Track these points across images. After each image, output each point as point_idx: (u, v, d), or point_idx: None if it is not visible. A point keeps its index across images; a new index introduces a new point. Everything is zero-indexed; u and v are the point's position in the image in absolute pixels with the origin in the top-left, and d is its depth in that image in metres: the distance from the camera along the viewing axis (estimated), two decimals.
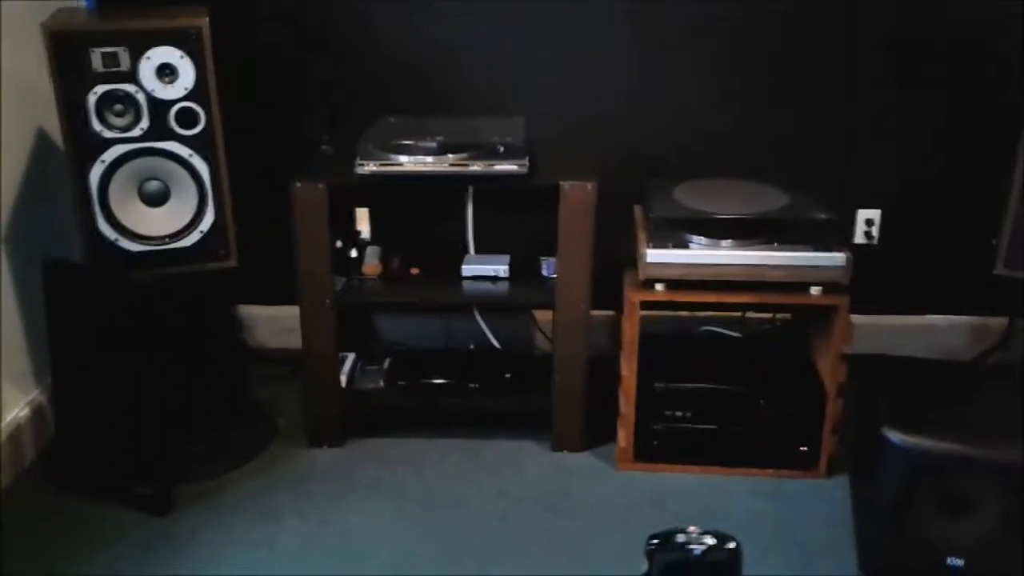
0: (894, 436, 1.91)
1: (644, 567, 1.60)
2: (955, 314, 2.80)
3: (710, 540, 1.57)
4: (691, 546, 1.57)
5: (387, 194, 2.50)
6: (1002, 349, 2.73)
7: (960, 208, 2.67)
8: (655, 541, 1.59)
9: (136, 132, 2.17)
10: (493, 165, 2.23)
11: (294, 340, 2.46)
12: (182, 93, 2.17)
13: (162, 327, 2.23)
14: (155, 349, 2.18)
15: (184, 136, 2.20)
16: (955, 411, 2.00)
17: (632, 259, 2.32)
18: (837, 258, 2.18)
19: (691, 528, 1.59)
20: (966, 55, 2.55)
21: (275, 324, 2.84)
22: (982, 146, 2.60)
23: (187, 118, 2.19)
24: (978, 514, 1.89)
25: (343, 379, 2.49)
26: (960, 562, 1.92)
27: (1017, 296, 2.52)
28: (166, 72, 2.15)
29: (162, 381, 2.21)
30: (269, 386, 2.72)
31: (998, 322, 2.74)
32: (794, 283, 2.21)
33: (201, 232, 2.28)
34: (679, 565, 1.58)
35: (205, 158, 2.22)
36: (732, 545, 1.57)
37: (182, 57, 2.14)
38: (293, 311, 2.39)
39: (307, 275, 2.32)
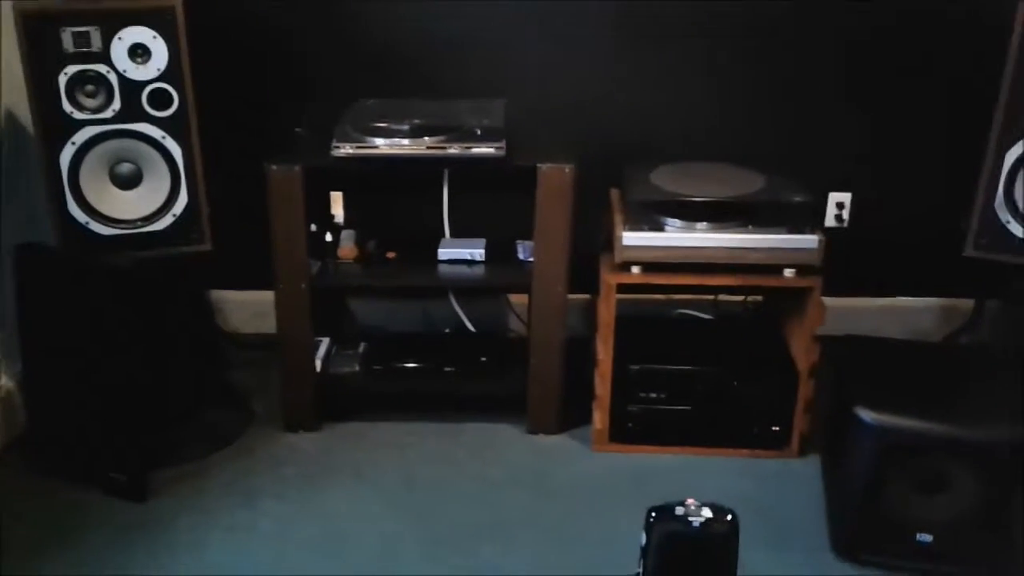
0: (866, 415, 1.95)
1: (643, 540, 1.62)
2: (925, 296, 2.85)
3: (708, 512, 1.60)
4: (690, 518, 1.60)
5: (363, 177, 2.48)
6: (971, 330, 2.78)
7: (929, 191, 2.71)
8: (654, 514, 1.61)
9: (108, 113, 2.15)
10: (470, 148, 2.23)
11: (269, 324, 2.44)
12: (155, 74, 2.14)
13: (135, 311, 2.21)
14: (128, 334, 2.16)
15: (157, 118, 2.17)
16: (925, 391, 2.04)
17: (608, 242, 2.34)
18: (810, 240, 2.21)
19: (689, 501, 1.61)
20: (937, 40, 2.59)
21: (250, 308, 2.82)
22: (951, 129, 2.64)
23: (160, 99, 2.16)
24: (947, 492, 1.93)
25: (318, 363, 2.48)
26: (929, 538, 1.96)
27: (985, 277, 2.57)
28: (139, 52, 2.12)
29: (136, 366, 2.19)
30: (245, 371, 2.70)
31: (966, 303, 2.79)
32: (768, 265, 2.23)
33: (174, 215, 2.26)
34: (679, 536, 1.61)
35: (178, 140, 2.20)
36: (730, 517, 1.60)
37: (155, 37, 2.12)
38: (268, 295, 2.38)
39: (282, 259, 2.31)
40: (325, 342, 2.56)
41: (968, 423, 1.92)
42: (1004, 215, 2.20)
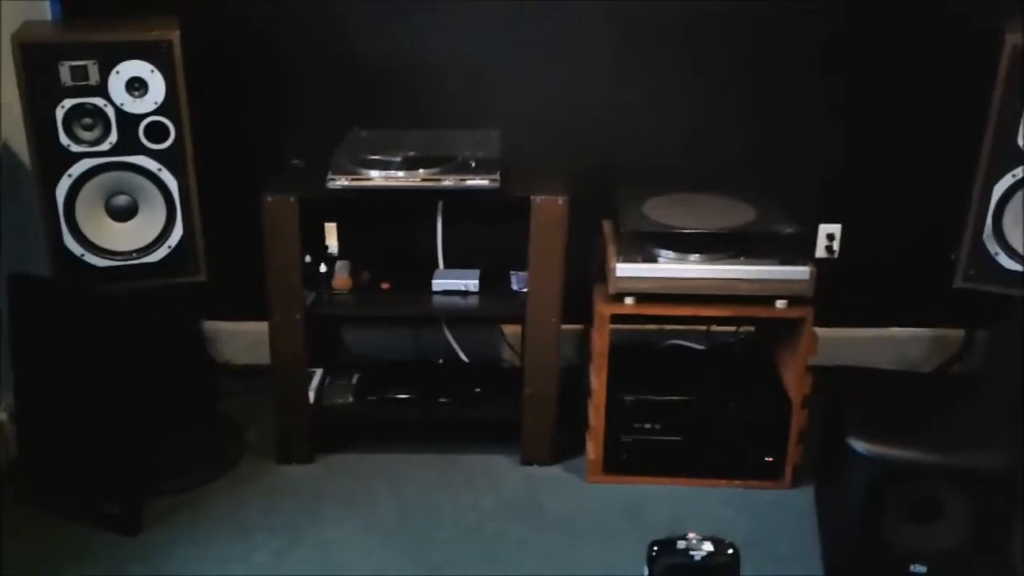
0: (858, 445, 1.96)
1: (645, 573, 1.63)
2: (915, 326, 2.87)
3: (709, 546, 1.61)
4: (692, 552, 1.60)
5: (358, 208, 2.50)
6: (961, 359, 2.80)
7: (919, 223, 2.74)
8: (656, 547, 1.62)
9: (104, 146, 2.16)
10: (465, 180, 2.25)
11: (263, 355, 2.45)
12: (152, 107, 2.16)
13: (128, 342, 2.21)
14: (122, 365, 2.16)
15: (153, 150, 2.19)
16: (918, 420, 2.05)
17: (601, 273, 2.35)
18: (802, 272, 2.23)
19: (691, 534, 1.62)
20: (928, 73, 2.63)
21: (244, 339, 2.82)
22: (942, 162, 2.67)
23: (157, 132, 2.18)
24: (941, 521, 1.94)
25: (311, 394, 2.48)
26: (923, 568, 1.97)
27: (974, 308, 2.59)
28: (136, 86, 2.14)
29: (129, 397, 2.18)
30: (239, 401, 2.69)
31: (956, 334, 2.82)
32: (760, 296, 2.25)
33: (169, 247, 2.27)
34: (681, 570, 1.62)
35: (174, 172, 2.21)
36: (731, 551, 1.61)
37: (152, 71, 2.13)
38: (262, 326, 2.38)
39: (277, 289, 2.32)
40: (319, 372, 2.56)
41: (959, 451, 1.93)
42: (992, 247, 2.22)
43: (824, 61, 2.63)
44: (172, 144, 2.19)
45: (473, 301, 2.43)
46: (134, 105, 2.15)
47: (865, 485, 1.95)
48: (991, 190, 2.20)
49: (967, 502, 1.90)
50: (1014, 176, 2.17)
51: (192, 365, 2.68)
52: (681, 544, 1.62)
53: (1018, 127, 2.14)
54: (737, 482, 2.37)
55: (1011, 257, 2.21)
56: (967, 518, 1.91)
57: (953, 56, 2.59)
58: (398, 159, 2.29)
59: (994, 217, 2.21)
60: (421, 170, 2.26)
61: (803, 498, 2.33)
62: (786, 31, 2.61)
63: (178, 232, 2.26)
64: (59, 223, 2.17)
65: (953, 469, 1.91)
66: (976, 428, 2.01)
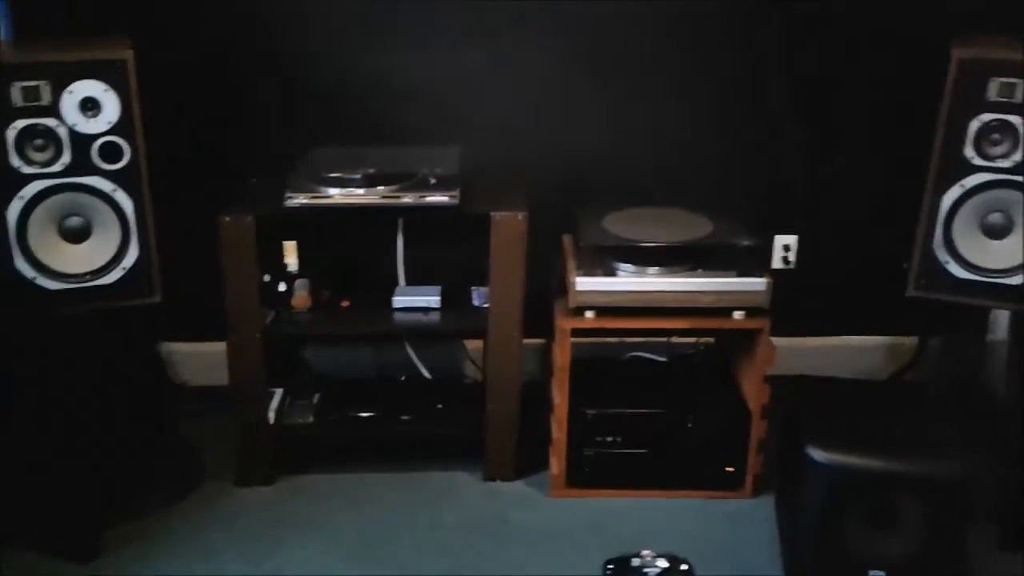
0: (816, 454, 1.98)
1: None
2: (870, 334, 2.92)
3: (663, 563, 1.62)
4: (646, 569, 1.61)
5: (317, 226, 2.48)
6: (915, 367, 2.85)
7: (872, 233, 2.79)
8: (611, 566, 1.62)
9: (57, 167, 2.13)
10: (424, 197, 2.25)
11: (221, 376, 2.41)
12: (105, 127, 2.14)
13: (83, 366, 2.18)
14: (76, 389, 2.13)
15: (107, 171, 2.16)
16: (874, 428, 2.09)
17: (562, 287, 2.36)
18: (758, 283, 2.26)
19: (644, 552, 1.63)
20: (878, 87, 2.69)
21: (201, 360, 2.79)
22: (894, 173, 2.72)
23: (111, 152, 2.15)
24: (898, 527, 1.97)
25: (272, 415, 2.45)
26: (882, 574, 1.99)
27: (927, 317, 2.64)
28: (89, 106, 2.11)
29: (84, 421, 2.15)
30: (198, 423, 2.66)
31: (910, 342, 2.87)
32: (718, 308, 2.27)
33: (124, 268, 2.24)
34: None
35: (129, 192, 2.19)
36: (685, 567, 1.62)
37: (106, 90, 2.11)
38: (220, 346, 2.35)
39: (235, 309, 2.30)
40: (279, 393, 2.54)
41: (915, 460, 1.97)
42: (943, 256, 2.27)
43: (779, 76, 2.68)
44: (126, 164, 2.17)
45: (435, 317, 2.43)
46: (87, 125, 2.12)
47: (823, 493, 1.97)
48: (940, 200, 2.25)
49: (922, 509, 1.94)
50: (962, 186, 2.22)
51: (149, 387, 2.64)
52: (636, 561, 1.63)
53: (964, 138, 2.20)
54: (700, 493, 2.39)
55: (961, 266, 2.26)
56: (923, 525, 1.95)
57: (904, 69, 2.65)
58: (357, 176, 2.28)
59: (944, 227, 2.25)
60: (380, 187, 2.26)
61: (764, 507, 2.35)
62: (739, 47, 2.65)
63: (133, 253, 2.23)
64: (10, 246, 2.13)
65: (909, 477, 1.94)
66: (930, 436, 2.05)
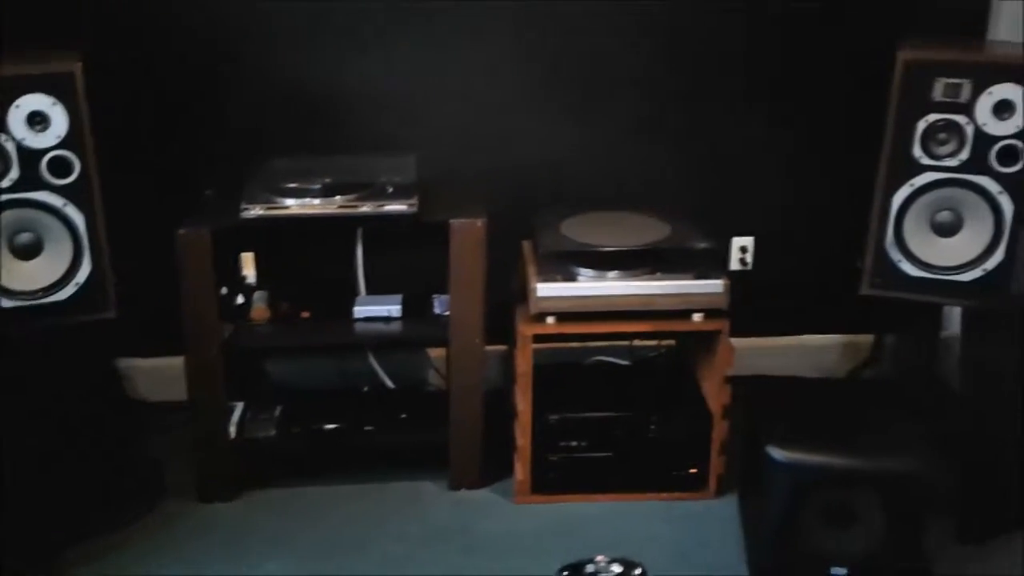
0: (776, 453, 2.00)
1: None
2: (827, 333, 2.96)
3: (617, 568, 1.62)
4: (600, 575, 1.62)
5: (274, 237, 2.47)
6: (872, 364, 2.89)
7: (827, 233, 2.83)
8: (565, 573, 1.63)
9: (5, 183, 2.08)
10: (382, 206, 2.24)
11: (180, 391, 2.38)
12: (54, 141, 2.10)
13: (37, 385, 2.14)
14: (31, 408, 2.09)
15: (57, 186, 2.12)
16: (833, 426, 2.11)
17: (522, 294, 2.36)
18: (716, 285, 2.28)
19: (599, 557, 1.63)
20: (828, 89, 2.73)
21: (159, 375, 2.75)
22: (847, 173, 2.75)
23: (60, 167, 2.11)
24: (858, 524, 2.00)
25: (232, 429, 2.42)
26: (844, 571, 2.02)
27: (882, 314, 2.69)
28: (37, 120, 2.07)
29: (40, 440, 2.11)
30: (158, 439, 2.62)
31: (866, 339, 2.91)
32: (678, 310, 2.29)
33: (77, 284, 2.20)
34: None
35: (81, 207, 2.15)
36: (639, 572, 1.62)
37: (54, 104, 2.07)
38: (178, 361, 2.33)
39: (192, 323, 2.27)
40: (239, 406, 2.51)
41: (872, 456, 1.99)
42: (895, 255, 2.31)
43: (731, 80, 2.71)
44: (77, 179, 2.13)
45: (396, 327, 2.42)
46: (36, 140, 2.09)
47: (783, 492, 1.99)
48: (891, 200, 2.28)
49: (882, 504, 1.96)
50: (912, 186, 2.26)
51: (106, 404, 2.59)
52: (590, 568, 1.64)
53: (912, 139, 2.24)
54: (664, 495, 2.40)
55: (913, 264, 2.30)
56: (882, 520, 1.97)
57: (853, 71, 2.69)
58: (314, 187, 2.27)
59: (895, 226, 2.29)
60: (338, 197, 2.25)
61: (728, 507, 2.37)
62: (692, 52, 2.68)
63: (86, 269, 2.19)
64: None
65: (867, 473, 1.97)
66: (888, 432, 2.08)
